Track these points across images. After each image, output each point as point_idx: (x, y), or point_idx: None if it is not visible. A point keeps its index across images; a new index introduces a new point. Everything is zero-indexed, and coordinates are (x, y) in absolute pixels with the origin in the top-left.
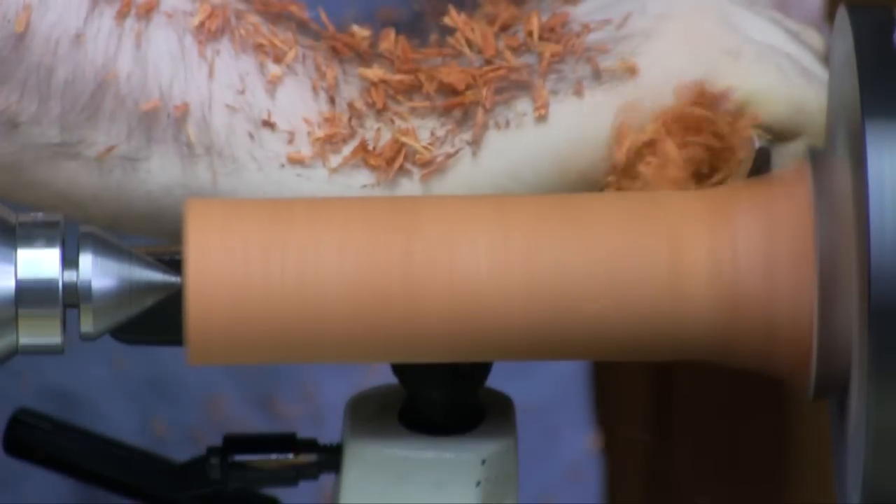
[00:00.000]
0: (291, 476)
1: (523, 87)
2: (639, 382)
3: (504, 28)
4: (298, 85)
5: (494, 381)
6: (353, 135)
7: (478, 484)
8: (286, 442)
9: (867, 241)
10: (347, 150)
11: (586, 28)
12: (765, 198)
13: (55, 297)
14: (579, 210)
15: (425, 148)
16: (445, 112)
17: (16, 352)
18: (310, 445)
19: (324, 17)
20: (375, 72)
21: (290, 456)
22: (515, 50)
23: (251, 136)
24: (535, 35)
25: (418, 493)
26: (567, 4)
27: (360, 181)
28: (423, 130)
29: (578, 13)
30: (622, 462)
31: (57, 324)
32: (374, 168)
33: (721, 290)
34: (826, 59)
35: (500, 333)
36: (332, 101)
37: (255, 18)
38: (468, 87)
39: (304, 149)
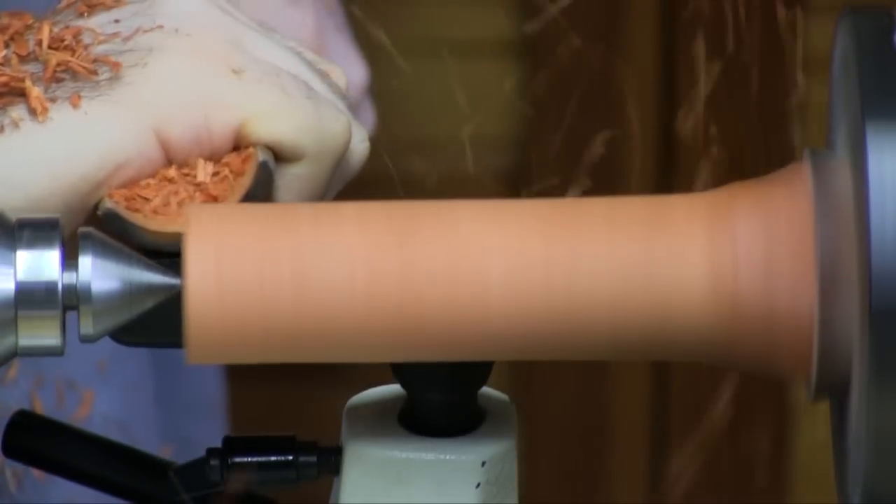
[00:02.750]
0: (291, 477)
1: (23, 94)
2: (639, 384)
3: (16, 35)
4: None
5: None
6: None
7: (478, 486)
8: (286, 443)
9: (868, 241)
10: None
11: (97, 39)
12: (765, 199)
13: (55, 299)
14: (581, 214)
15: None
16: None
17: (15, 353)
18: (309, 447)
19: None
20: None
21: (290, 457)
22: (24, 58)
23: None
24: (45, 44)
25: (418, 494)
26: (82, 18)
27: None
28: None
29: (92, 25)
30: (623, 463)
31: (57, 325)
32: None
33: (721, 292)
34: (343, 93)
35: (503, 335)
36: None
37: None
38: None
39: None
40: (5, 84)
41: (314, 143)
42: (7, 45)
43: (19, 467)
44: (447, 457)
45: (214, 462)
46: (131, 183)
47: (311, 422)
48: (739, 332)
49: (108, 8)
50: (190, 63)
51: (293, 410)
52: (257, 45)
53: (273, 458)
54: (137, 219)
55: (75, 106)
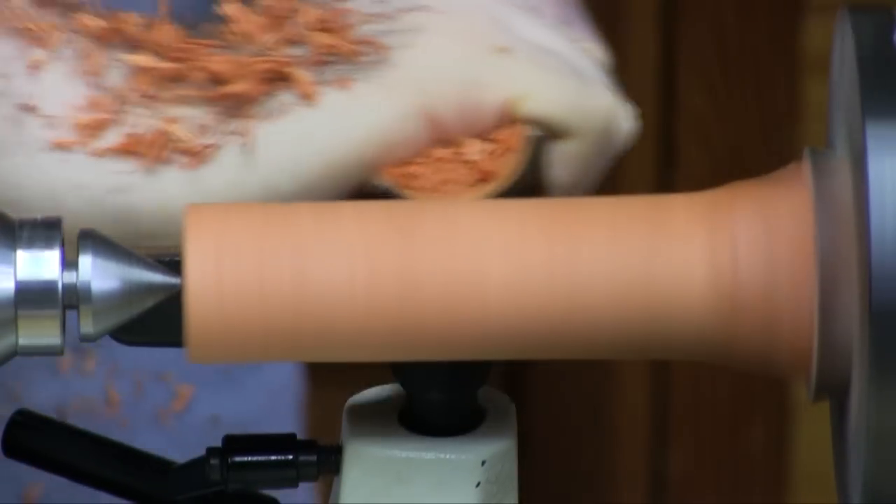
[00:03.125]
0: (291, 476)
1: (289, 79)
2: (639, 384)
3: (281, 19)
4: (63, 69)
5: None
6: (117, 121)
7: (478, 485)
8: (286, 442)
9: (868, 241)
10: (111, 136)
11: (361, 21)
12: (765, 198)
13: (55, 299)
14: (582, 213)
15: (189, 138)
16: (213, 101)
17: (15, 353)
18: (310, 446)
19: None
20: (143, 58)
21: (290, 456)
22: (289, 41)
23: (13, 120)
24: (310, 27)
25: (418, 494)
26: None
27: (122, 168)
28: (190, 119)
29: (356, 6)
30: (623, 463)
31: (57, 325)
32: (137, 155)
33: (721, 291)
34: (607, 68)
35: (503, 334)
36: (97, 86)
37: (19, 1)
38: (236, 77)
39: (67, 134)
40: (271, 70)
41: (581, 120)
42: (272, 29)
43: None
44: (447, 456)
45: (214, 461)
46: (401, 162)
47: None
48: (739, 331)
49: None
50: (456, 43)
51: None
52: (521, 23)
53: (273, 458)
54: (411, 196)
55: (346, 89)
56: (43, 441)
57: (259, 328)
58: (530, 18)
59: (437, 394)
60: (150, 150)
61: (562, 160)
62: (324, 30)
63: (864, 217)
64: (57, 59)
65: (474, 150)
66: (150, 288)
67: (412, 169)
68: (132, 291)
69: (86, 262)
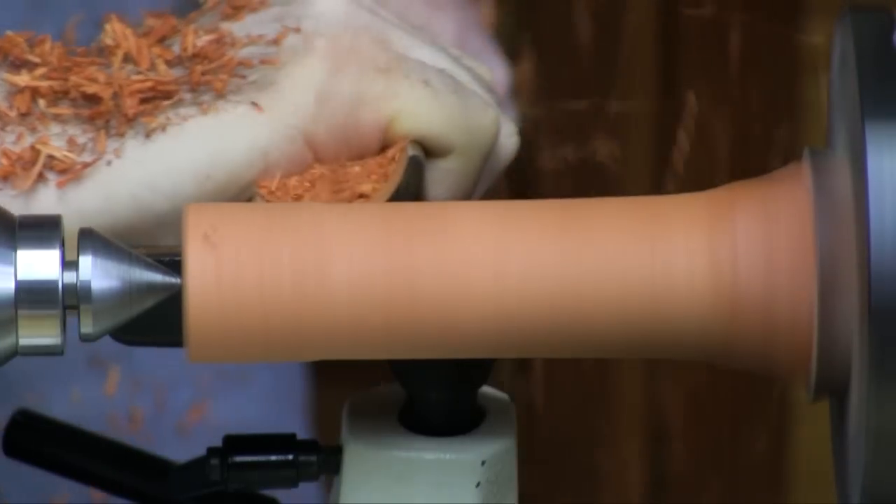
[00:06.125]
0: (291, 476)
1: (168, 98)
2: (638, 383)
3: (162, 40)
4: None
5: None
6: None
7: (478, 485)
8: (286, 442)
9: (867, 241)
10: None
11: (240, 43)
12: (764, 198)
13: (55, 299)
14: (581, 214)
15: (65, 156)
16: (89, 120)
17: (15, 353)
18: (310, 446)
19: None
20: (23, 77)
21: (290, 456)
22: (169, 62)
23: None
24: (189, 49)
25: (418, 494)
26: (227, 20)
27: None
28: (66, 138)
29: (236, 28)
30: (623, 463)
31: (57, 325)
32: (10, 174)
33: (721, 291)
34: (490, 88)
35: (502, 333)
36: None
37: None
38: (112, 96)
39: None
40: (152, 88)
41: (462, 137)
42: (152, 49)
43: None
44: (447, 456)
45: (214, 461)
46: (279, 179)
47: None
48: (739, 331)
49: (254, 10)
50: (335, 63)
51: None
52: (403, 42)
53: (273, 458)
54: None
55: (222, 110)
56: (43, 441)
57: (258, 328)
58: (413, 38)
59: (437, 393)
60: (24, 169)
61: (443, 178)
62: (203, 53)
63: (864, 217)
64: None
65: (353, 169)
66: (150, 288)
67: (289, 187)
68: (132, 291)
69: (86, 261)
